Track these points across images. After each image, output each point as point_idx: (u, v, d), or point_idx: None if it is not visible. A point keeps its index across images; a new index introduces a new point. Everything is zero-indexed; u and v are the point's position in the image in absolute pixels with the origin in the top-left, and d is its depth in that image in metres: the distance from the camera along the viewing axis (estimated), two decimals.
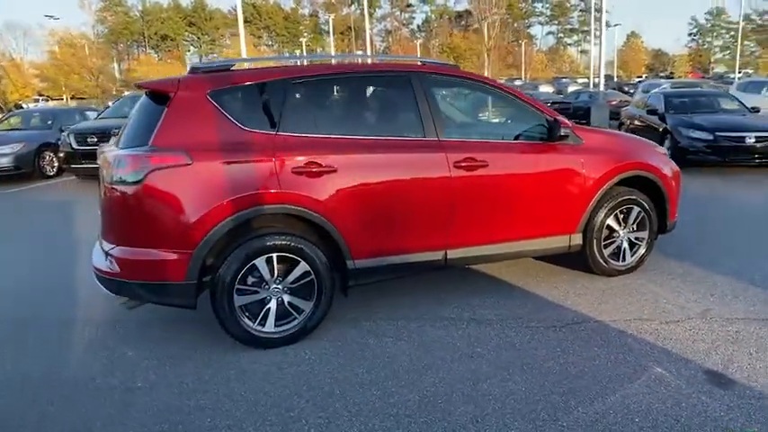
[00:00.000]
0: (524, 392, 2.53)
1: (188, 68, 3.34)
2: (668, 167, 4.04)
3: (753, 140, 8.16)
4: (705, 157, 8.41)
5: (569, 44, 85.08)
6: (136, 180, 2.75)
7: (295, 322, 3.08)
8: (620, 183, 3.76)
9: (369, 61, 5.12)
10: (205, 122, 2.89)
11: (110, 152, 3.03)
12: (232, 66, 3.18)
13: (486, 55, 62.86)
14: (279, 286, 3.02)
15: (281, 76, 3.14)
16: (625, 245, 3.92)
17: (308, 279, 3.05)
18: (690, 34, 75.98)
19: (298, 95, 3.17)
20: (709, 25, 77.17)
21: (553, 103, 18.04)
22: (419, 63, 3.66)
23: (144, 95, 3.19)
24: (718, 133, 8.32)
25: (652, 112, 9.88)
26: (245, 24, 23.78)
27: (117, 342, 3.22)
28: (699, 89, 14.39)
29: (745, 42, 77.50)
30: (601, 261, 3.86)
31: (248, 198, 2.85)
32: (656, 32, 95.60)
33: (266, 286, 3.01)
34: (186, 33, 75.83)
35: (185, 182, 2.80)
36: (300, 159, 2.96)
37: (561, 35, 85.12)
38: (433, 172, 3.25)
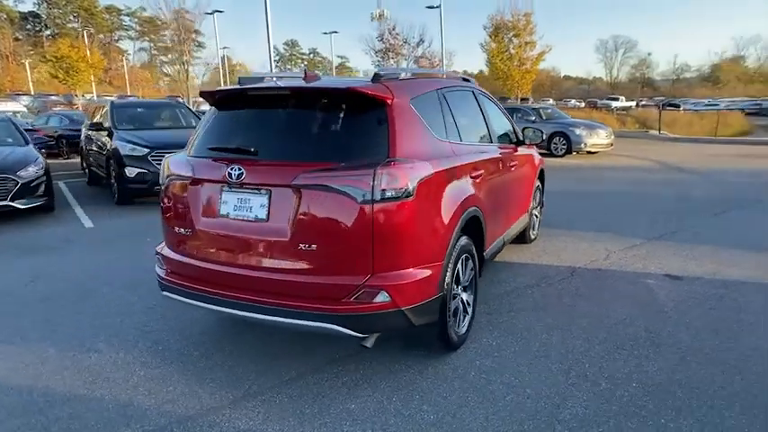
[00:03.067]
0: None
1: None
2: None
3: None
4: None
5: (165, 62, 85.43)
6: (408, 194, 2.54)
7: (467, 319, 3.36)
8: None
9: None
10: (414, 131, 2.86)
11: (340, 173, 2.54)
12: (401, 74, 3.11)
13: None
14: (460, 285, 3.26)
15: (438, 86, 3.33)
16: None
17: (473, 274, 3.40)
18: (275, 61, 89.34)
19: (449, 105, 3.39)
20: (288, 54, 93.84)
21: None
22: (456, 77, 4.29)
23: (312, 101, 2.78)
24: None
25: (97, 127, 8.67)
26: None
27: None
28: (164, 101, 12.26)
29: (317, 71, 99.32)
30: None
31: (465, 202, 3.11)
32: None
33: (458, 286, 3.20)
34: None
35: (435, 191, 2.80)
36: (470, 165, 3.30)
37: (155, 52, 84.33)
38: (503, 171, 4.10)
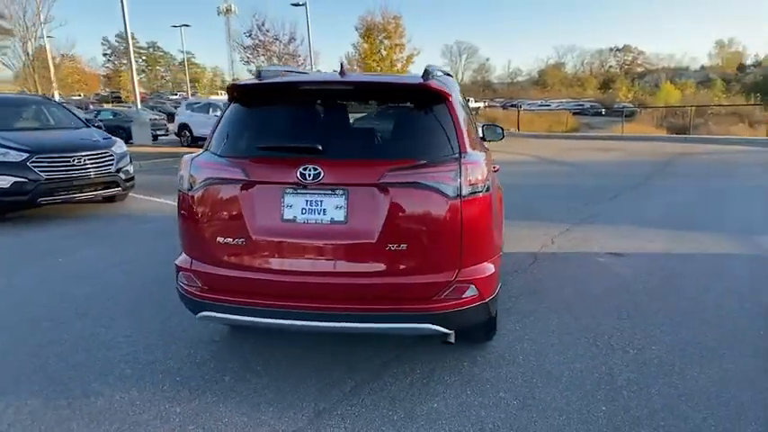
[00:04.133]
0: None
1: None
2: None
3: None
4: None
5: None
6: (487, 188, 2.61)
7: None
8: None
9: None
10: (468, 127, 2.92)
11: (435, 169, 2.50)
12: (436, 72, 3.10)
13: None
14: None
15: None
16: None
17: None
18: (105, 55, 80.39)
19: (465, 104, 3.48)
20: (122, 48, 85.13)
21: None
22: None
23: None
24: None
25: None
26: None
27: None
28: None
29: (158, 67, 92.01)
30: None
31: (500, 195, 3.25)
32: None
33: None
34: None
35: (494, 185, 2.88)
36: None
37: None
38: None
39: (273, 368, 3.04)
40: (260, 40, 24.08)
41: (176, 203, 2.84)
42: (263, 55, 24.28)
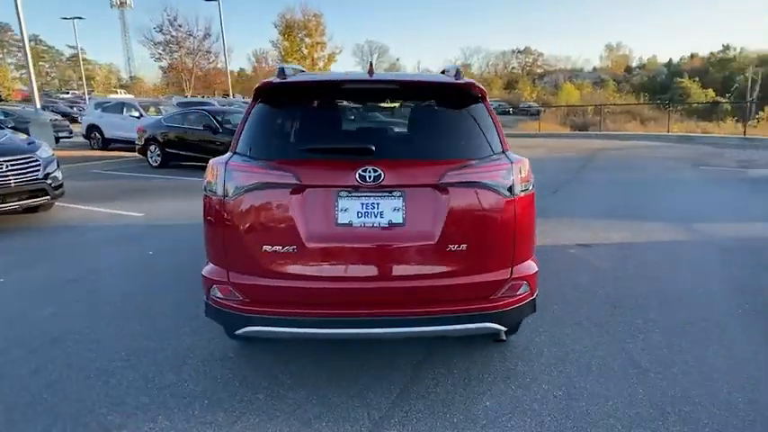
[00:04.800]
0: None
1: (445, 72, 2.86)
2: None
3: None
4: None
5: None
6: (533, 185, 2.68)
7: None
8: None
9: None
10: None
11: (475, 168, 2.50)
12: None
13: None
14: None
15: None
16: None
17: None
18: None
19: None
20: None
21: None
22: None
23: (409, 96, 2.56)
24: None
25: None
26: None
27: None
28: None
29: (41, 63, 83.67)
30: None
31: None
32: None
33: None
34: None
35: None
36: None
37: None
38: None
39: (307, 380, 2.90)
40: (172, 36, 22.70)
41: (204, 210, 2.62)
42: (176, 52, 22.92)
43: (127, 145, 15.33)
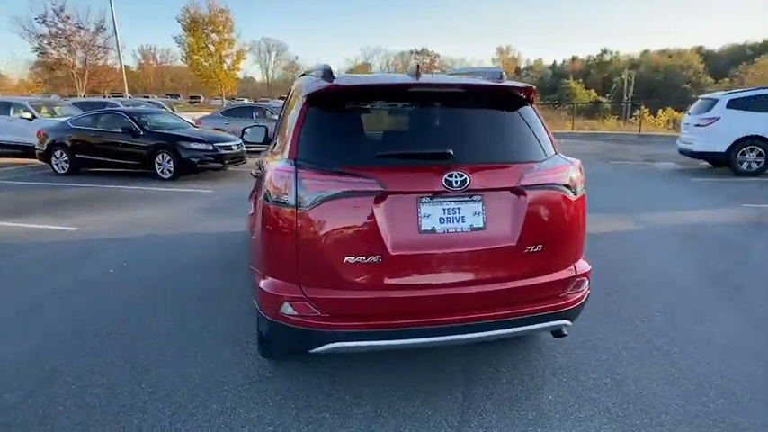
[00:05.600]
0: None
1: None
2: None
3: None
4: None
5: None
6: (584, 186, 2.78)
7: None
8: None
9: None
10: None
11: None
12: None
13: None
14: None
15: None
16: None
17: None
18: None
19: None
20: None
21: None
22: None
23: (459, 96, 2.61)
24: None
25: None
26: None
27: None
28: None
29: None
30: None
31: None
32: None
33: None
34: None
35: None
36: None
37: None
38: None
39: (362, 392, 2.81)
40: (59, 28, 20.46)
41: (265, 222, 2.44)
42: (64, 46, 20.73)
43: (15, 150, 13.69)
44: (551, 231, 2.57)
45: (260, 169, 3.49)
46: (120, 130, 10.70)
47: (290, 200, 2.34)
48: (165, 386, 2.89)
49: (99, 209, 7.84)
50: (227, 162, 10.96)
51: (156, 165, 10.51)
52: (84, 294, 4.30)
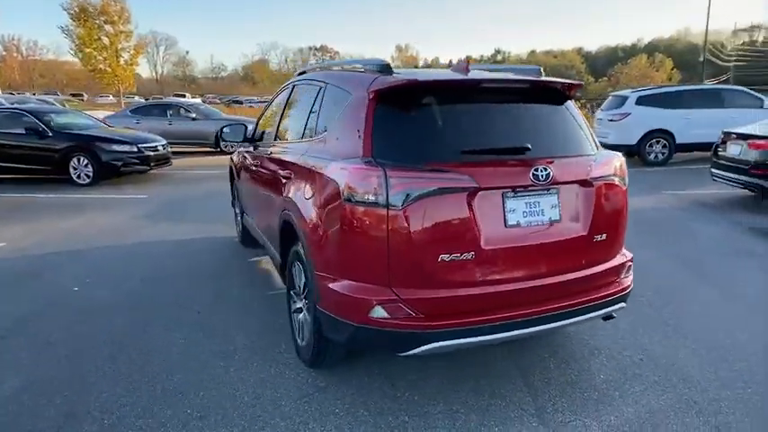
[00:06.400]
0: None
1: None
2: None
3: None
4: None
5: None
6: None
7: None
8: None
9: None
10: None
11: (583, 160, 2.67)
12: None
13: None
14: None
15: None
16: None
17: None
18: None
19: None
20: None
21: None
22: None
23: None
24: None
25: None
26: None
27: None
28: None
29: None
30: None
31: None
32: None
33: None
34: None
35: None
36: None
37: None
38: None
39: (429, 392, 2.79)
40: None
41: (350, 223, 2.34)
42: None
43: None
44: (612, 220, 2.74)
45: (280, 170, 3.33)
46: (23, 132, 9.52)
47: (380, 199, 2.27)
48: (213, 409, 2.67)
49: (22, 221, 6.95)
50: (152, 164, 10.19)
51: (71, 169, 9.50)
52: (59, 317, 3.81)
